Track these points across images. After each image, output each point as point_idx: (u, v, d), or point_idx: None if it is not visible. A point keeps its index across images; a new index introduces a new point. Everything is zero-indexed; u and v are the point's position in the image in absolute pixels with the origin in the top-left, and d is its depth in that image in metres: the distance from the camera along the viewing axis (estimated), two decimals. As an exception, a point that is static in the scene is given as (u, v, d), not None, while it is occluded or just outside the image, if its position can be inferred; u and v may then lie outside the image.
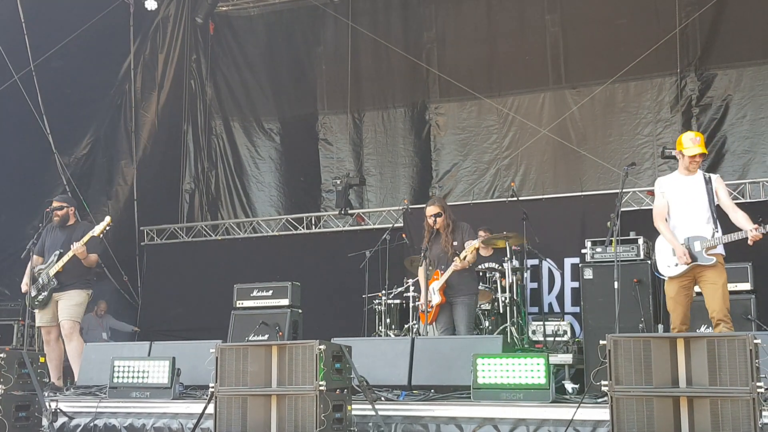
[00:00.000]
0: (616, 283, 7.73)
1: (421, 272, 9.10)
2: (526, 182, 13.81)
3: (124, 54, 15.16)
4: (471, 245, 8.81)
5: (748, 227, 6.98)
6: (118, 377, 8.03)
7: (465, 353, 7.37)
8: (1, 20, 12.50)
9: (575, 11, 13.91)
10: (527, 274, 11.48)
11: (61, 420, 7.61)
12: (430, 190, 14.52)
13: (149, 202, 15.59)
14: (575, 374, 9.43)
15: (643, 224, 8.62)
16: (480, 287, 10.01)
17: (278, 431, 6.27)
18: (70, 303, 9.12)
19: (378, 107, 15.16)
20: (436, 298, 8.85)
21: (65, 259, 9.03)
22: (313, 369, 6.19)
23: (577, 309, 11.37)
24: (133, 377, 7.99)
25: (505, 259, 10.50)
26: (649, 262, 8.56)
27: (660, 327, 8.66)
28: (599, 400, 6.60)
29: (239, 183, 15.97)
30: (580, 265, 9.60)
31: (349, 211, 14.31)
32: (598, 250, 9.32)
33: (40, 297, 9.14)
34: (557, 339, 10.23)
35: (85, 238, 9.03)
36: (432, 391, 7.44)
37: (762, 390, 5.38)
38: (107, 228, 9.14)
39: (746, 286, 8.99)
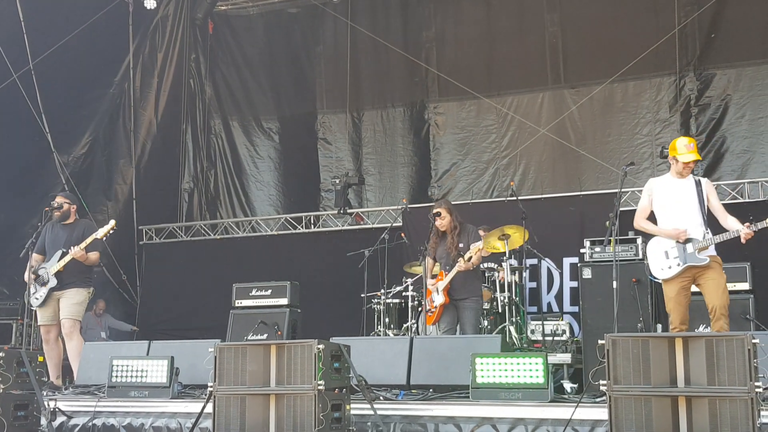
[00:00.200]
0: (614, 283, 7.74)
1: (426, 272, 9.14)
2: (525, 182, 13.81)
3: (123, 53, 15.15)
4: (475, 246, 8.83)
5: (739, 227, 7.08)
6: (116, 376, 8.04)
7: (464, 353, 7.37)
8: (1, 19, 12.49)
9: (574, 11, 13.91)
10: (526, 274, 11.47)
11: (60, 419, 7.61)
12: (429, 190, 14.52)
13: (148, 202, 15.59)
14: (574, 374, 9.43)
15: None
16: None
17: (277, 430, 6.27)
18: (71, 302, 9.13)
19: (377, 106, 15.15)
20: (439, 299, 8.87)
21: (67, 259, 9.04)
22: (312, 368, 6.19)
23: (575, 308, 11.35)
24: (131, 376, 8.00)
25: (504, 258, 10.50)
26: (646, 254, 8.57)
27: (659, 327, 8.66)
28: (598, 399, 6.62)
29: (238, 182, 15.96)
30: (578, 265, 9.59)
31: (348, 211, 14.32)
32: (597, 249, 9.31)
33: (38, 294, 9.14)
34: (556, 338, 10.23)
35: (88, 241, 9.04)
36: (431, 390, 7.45)
37: (760, 390, 5.39)
38: (111, 231, 9.16)
39: (745, 285, 9.00)
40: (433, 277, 9.21)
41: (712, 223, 7.38)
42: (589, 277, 9.17)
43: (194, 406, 7.18)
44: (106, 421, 7.63)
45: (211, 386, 6.50)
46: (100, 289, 12.88)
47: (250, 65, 16.07)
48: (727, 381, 5.41)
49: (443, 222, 8.99)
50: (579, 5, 13.88)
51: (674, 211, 7.39)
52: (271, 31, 15.91)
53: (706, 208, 7.31)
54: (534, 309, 11.85)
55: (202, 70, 16.40)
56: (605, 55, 13.54)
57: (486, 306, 10.21)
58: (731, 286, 8.67)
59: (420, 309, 10.46)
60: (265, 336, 10.09)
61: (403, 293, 11.03)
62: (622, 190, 8.49)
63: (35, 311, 9.39)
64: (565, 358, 9.46)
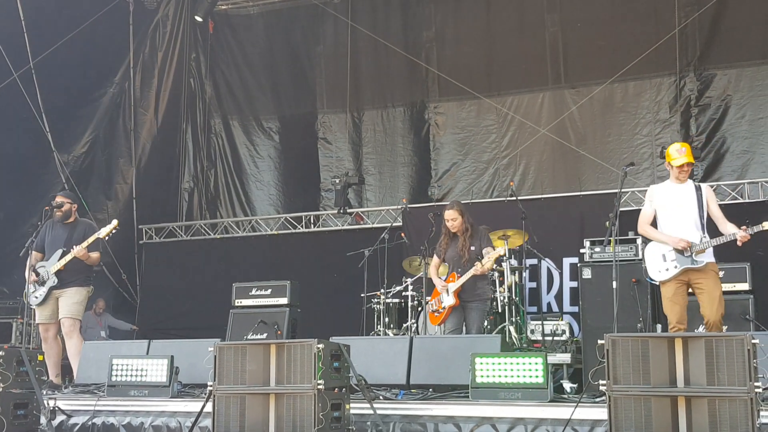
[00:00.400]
0: (614, 283, 7.75)
1: (432, 271, 9.15)
2: (525, 182, 13.81)
3: (123, 52, 15.14)
4: (494, 253, 8.96)
5: (736, 230, 7.22)
6: (116, 375, 8.05)
7: (463, 352, 7.39)
8: (1, 18, 12.49)
9: (575, 11, 13.90)
10: (526, 274, 11.47)
11: (60, 418, 7.62)
12: (429, 190, 14.52)
13: (148, 201, 15.59)
14: (573, 374, 9.43)
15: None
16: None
17: (276, 430, 6.28)
18: (71, 301, 9.14)
19: (377, 106, 15.15)
20: (449, 300, 8.89)
21: (68, 258, 9.05)
22: (312, 368, 6.20)
23: (575, 308, 11.35)
24: (131, 375, 8.01)
25: (504, 258, 10.50)
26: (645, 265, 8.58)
27: (658, 327, 8.66)
28: (597, 399, 6.63)
29: (238, 182, 15.96)
30: (578, 265, 9.59)
31: (348, 210, 14.32)
32: (597, 249, 9.32)
33: (38, 293, 9.14)
34: (556, 338, 10.23)
35: (90, 240, 9.05)
36: (430, 390, 7.47)
37: (760, 390, 5.40)
38: (113, 231, 9.17)
39: (744, 286, 9.01)
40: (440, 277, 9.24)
41: (711, 229, 7.48)
42: (589, 277, 9.18)
43: (194, 406, 7.19)
44: (105, 420, 7.64)
45: (210, 385, 6.50)
46: (100, 288, 12.86)
47: (251, 65, 16.07)
48: (727, 381, 5.42)
49: (455, 223, 9.02)
50: (579, 5, 13.88)
51: (673, 216, 7.51)
52: (272, 31, 15.90)
53: (705, 213, 7.42)
54: (534, 309, 11.85)
55: (202, 69, 16.40)
56: (605, 56, 13.54)
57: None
58: (731, 287, 8.76)
59: (420, 309, 10.47)
60: (265, 335, 10.09)
61: (403, 293, 11.04)
62: (622, 190, 8.50)
63: (34, 310, 9.38)
64: (564, 358, 9.46)
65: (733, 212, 11.48)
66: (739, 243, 7.23)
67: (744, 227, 7.19)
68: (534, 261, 11.57)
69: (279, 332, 10.22)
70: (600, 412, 6.14)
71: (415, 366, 7.84)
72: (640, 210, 9.27)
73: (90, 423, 7.63)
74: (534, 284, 12.08)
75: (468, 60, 14.58)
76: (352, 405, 6.78)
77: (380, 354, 8.03)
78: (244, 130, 16.03)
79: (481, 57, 14.52)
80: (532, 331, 10.51)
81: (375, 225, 13.86)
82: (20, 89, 12.67)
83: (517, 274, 10.75)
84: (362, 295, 11.31)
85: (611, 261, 8.18)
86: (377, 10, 15.28)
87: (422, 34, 14.95)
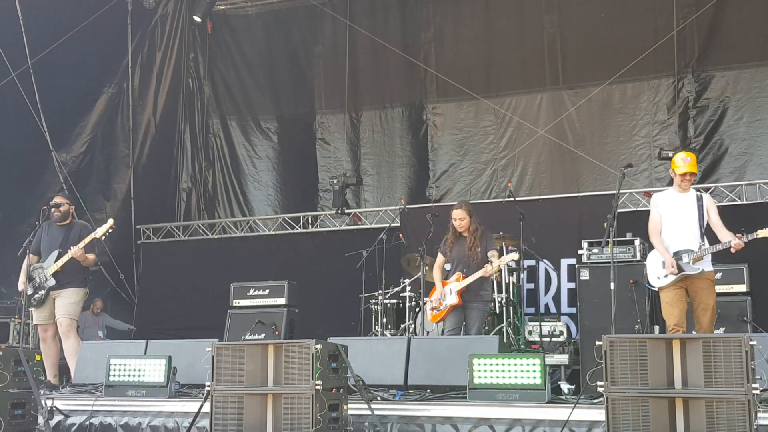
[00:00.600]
0: (612, 284, 7.78)
1: (437, 270, 9.16)
2: (523, 183, 13.81)
3: (122, 52, 15.13)
4: (509, 257, 9.10)
5: (731, 237, 7.38)
6: (114, 375, 8.04)
7: (461, 353, 7.39)
8: (-1, 18, 12.51)
9: (573, 12, 13.90)
10: (524, 275, 11.48)
11: (57, 418, 7.61)
12: (427, 190, 14.52)
13: (146, 201, 15.58)
14: (571, 375, 9.46)
15: (639, 226, 8.62)
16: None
17: (274, 430, 6.28)
18: (68, 301, 9.14)
19: (375, 107, 15.14)
20: (452, 299, 8.90)
21: (64, 259, 9.05)
22: (310, 368, 6.21)
23: (573, 310, 11.37)
24: (129, 376, 8.00)
25: (495, 259, 10.49)
26: (645, 263, 8.59)
27: (656, 328, 8.68)
28: (595, 400, 6.63)
29: (236, 182, 15.95)
30: (576, 266, 9.63)
31: (346, 211, 14.32)
32: (595, 251, 9.35)
33: (37, 295, 9.15)
34: (553, 340, 10.25)
35: (87, 240, 9.05)
36: (428, 391, 7.46)
37: (757, 391, 5.41)
38: (110, 231, 9.16)
39: (742, 287, 9.03)
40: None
41: (712, 238, 7.62)
42: (587, 278, 9.21)
43: (191, 406, 7.18)
44: (103, 420, 7.63)
45: (208, 386, 6.50)
46: (97, 288, 12.89)
47: (249, 65, 16.06)
48: (725, 383, 5.43)
49: (462, 223, 9.03)
50: (578, 6, 13.88)
51: (673, 223, 7.66)
52: (270, 31, 15.90)
53: (705, 221, 7.58)
54: (531, 310, 11.84)
55: (200, 69, 16.39)
56: (604, 57, 13.54)
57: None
58: (728, 288, 8.80)
59: (418, 310, 10.48)
60: (263, 336, 10.10)
61: (401, 294, 11.05)
62: (620, 191, 8.53)
63: (32, 310, 9.38)
64: (562, 359, 9.49)
65: (731, 214, 11.54)
66: (733, 250, 7.40)
67: (739, 235, 7.34)
68: (532, 262, 11.56)
69: (277, 332, 10.23)
70: (598, 414, 6.15)
71: (412, 367, 7.84)
72: (637, 211, 9.37)
73: (87, 423, 7.62)
74: (532, 285, 12.07)
75: (466, 61, 14.58)
76: (349, 405, 6.78)
77: (378, 355, 8.03)
78: (243, 130, 16.03)
79: (479, 58, 14.52)
80: (530, 332, 10.53)
81: (373, 225, 13.86)
82: (18, 89, 12.65)
83: (515, 275, 10.76)
84: (360, 295, 11.32)
85: (609, 262, 8.21)
86: (376, 10, 15.27)
87: (421, 34, 14.94)
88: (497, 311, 10.20)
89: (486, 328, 9.90)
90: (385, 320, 11.01)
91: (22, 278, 9.22)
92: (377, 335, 10.86)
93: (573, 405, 6.40)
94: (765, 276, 9.64)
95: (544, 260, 11.71)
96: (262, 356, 6.42)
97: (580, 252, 9.63)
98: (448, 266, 9.36)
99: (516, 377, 6.88)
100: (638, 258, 8.90)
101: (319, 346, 6.26)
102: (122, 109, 15.26)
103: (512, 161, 13.97)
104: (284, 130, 15.79)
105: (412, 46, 14.87)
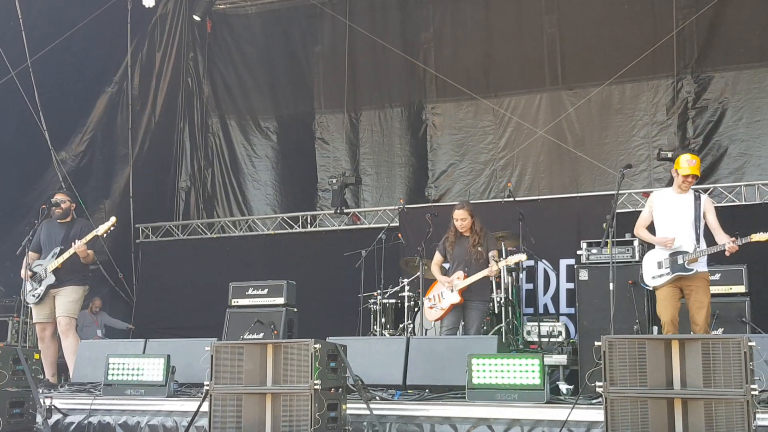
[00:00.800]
0: (611, 285, 7.78)
1: (435, 268, 9.16)
2: (522, 183, 13.81)
3: (121, 51, 15.12)
4: (516, 258, 9.14)
5: (726, 240, 7.46)
6: (112, 374, 8.04)
7: (460, 353, 7.40)
8: (-2, 17, 12.50)
9: (573, 12, 13.90)
10: (522, 275, 11.50)
11: (56, 417, 7.61)
12: (426, 190, 14.52)
13: (145, 200, 15.58)
14: (570, 375, 9.46)
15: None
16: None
17: (273, 430, 6.28)
18: (67, 299, 9.14)
19: (375, 107, 15.14)
20: (453, 298, 8.90)
21: (66, 255, 9.05)
22: (308, 368, 6.21)
23: (572, 310, 11.38)
24: (127, 375, 8.00)
25: (501, 259, 10.50)
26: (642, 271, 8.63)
27: (655, 329, 8.69)
28: (593, 401, 6.63)
29: (235, 181, 15.95)
30: (575, 267, 9.65)
31: (345, 211, 14.32)
32: (594, 251, 9.37)
33: (36, 293, 9.14)
34: (552, 340, 10.25)
35: (89, 237, 9.05)
36: (427, 390, 7.46)
37: (756, 392, 5.41)
38: (111, 228, 9.16)
39: (741, 288, 9.04)
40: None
41: (709, 239, 7.69)
42: (586, 278, 9.22)
43: (190, 405, 7.18)
44: (101, 419, 7.62)
45: (207, 385, 6.50)
46: (96, 287, 12.87)
47: (248, 64, 16.05)
48: (723, 383, 5.43)
49: (464, 223, 9.04)
50: (577, 7, 13.87)
51: (669, 223, 7.73)
52: (270, 31, 15.90)
53: (701, 222, 7.65)
54: (530, 310, 11.85)
55: (200, 69, 16.38)
56: (603, 57, 13.54)
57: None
58: (727, 289, 8.81)
59: (417, 309, 10.48)
60: (262, 335, 10.09)
61: (400, 293, 11.04)
62: (619, 192, 8.53)
63: (31, 309, 9.38)
64: (561, 359, 9.50)
65: (730, 215, 11.60)
66: (727, 253, 7.50)
67: (733, 239, 7.42)
68: (531, 262, 11.55)
69: (276, 332, 10.23)
70: (596, 414, 6.15)
71: (411, 366, 7.84)
72: (636, 212, 9.35)
73: (86, 422, 7.62)
74: (531, 286, 12.07)
75: (466, 61, 14.58)
76: (348, 405, 6.78)
77: (377, 354, 8.03)
78: (242, 129, 16.02)
79: (478, 58, 14.52)
80: (529, 333, 10.54)
81: (372, 225, 13.86)
82: (18, 88, 12.64)
83: (513, 276, 10.76)
84: (359, 295, 11.33)
85: (608, 263, 8.21)
86: (375, 10, 15.26)
87: (420, 34, 14.94)
88: (496, 311, 10.21)
89: (485, 328, 9.92)
90: (383, 320, 11.01)
91: (23, 272, 9.20)
92: (376, 335, 10.86)
93: (572, 405, 6.40)
94: (764, 277, 9.67)
95: (543, 260, 11.71)
96: (261, 356, 6.43)
97: (578, 252, 9.64)
98: (446, 266, 9.36)
99: (515, 377, 6.88)
100: (637, 258, 8.90)
101: (318, 346, 6.26)
102: (122, 109, 15.25)
103: (511, 161, 13.97)
104: (283, 129, 15.79)
105: (412, 46, 14.86)
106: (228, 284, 11.00)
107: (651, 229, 7.95)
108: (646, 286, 7.89)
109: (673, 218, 7.71)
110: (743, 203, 12.10)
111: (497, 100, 14.19)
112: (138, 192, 15.44)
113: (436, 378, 7.66)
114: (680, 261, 7.54)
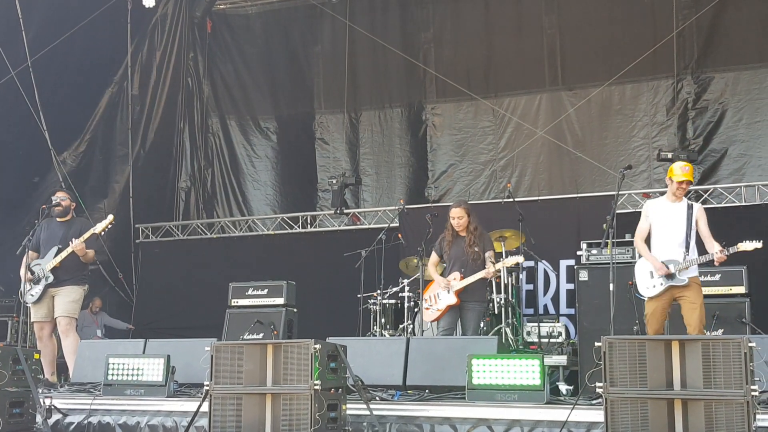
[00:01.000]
0: (611, 285, 7.79)
1: (431, 269, 9.14)
2: (522, 183, 13.81)
3: (122, 52, 15.11)
4: (513, 259, 9.08)
5: (714, 249, 7.58)
6: (112, 374, 8.04)
7: (460, 354, 7.40)
8: (-1, 16, 12.50)
9: (572, 13, 13.90)
10: (523, 276, 11.50)
11: (55, 417, 7.61)
12: (426, 191, 14.52)
13: (145, 200, 15.58)
14: (570, 376, 9.46)
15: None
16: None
17: (273, 430, 6.28)
18: (67, 299, 9.13)
19: (375, 107, 15.14)
20: (450, 299, 8.89)
21: (64, 254, 9.04)
22: (308, 368, 6.21)
23: (572, 311, 11.39)
24: (127, 375, 7.99)
25: (501, 260, 10.50)
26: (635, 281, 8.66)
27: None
28: (593, 401, 6.63)
29: (235, 181, 15.95)
30: (575, 267, 9.65)
31: (345, 211, 14.32)
32: (594, 252, 9.37)
33: (34, 290, 9.13)
34: (552, 340, 10.25)
35: (87, 235, 9.04)
36: (427, 391, 7.45)
37: (756, 393, 5.41)
38: (109, 226, 9.15)
39: (741, 289, 9.03)
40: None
41: (701, 246, 7.79)
42: (586, 279, 9.23)
43: (190, 405, 7.17)
44: (101, 419, 7.61)
45: (207, 385, 6.50)
46: (96, 287, 12.87)
47: (248, 64, 16.05)
48: (723, 384, 5.43)
49: (461, 222, 9.02)
50: (577, 7, 13.87)
51: (662, 233, 7.84)
52: (270, 31, 15.90)
53: (693, 231, 7.74)
54: (530, 311, 11.86)
55: (200, 68, 16.38)
56: (603, 58, 13.55)
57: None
58: (727, 290, 8.82)
59: (417, 310, 10.47)
60: (262, 335, 10.09)
61: (400, 294, 11.04)
62: (619, 192, 8.53)
63: (29, 308, 9.37)
64: (561, 360, 9.50)
65: (730, 215, 11.60)
66: (716, 262, 7.62)
67: (721, 249, 7.54)
68: (531, 263, 11.56)
69: (275, 332, 10.23)
70: (596, 415, 6.15)
71: (411, 367, 7.84)
72: (636, 213, 9.37)
73: (86, 422, 7.61)
74: (531, 286, 12.08)
75: (466, 61, 14.59)
76: (348, 406, 6.78)
77: (377, 355, 8.03)
78: (242, 129, 16.02)
79: (478, 58, 14.53)
80: (529, 333, 10.54)
81: (372, 226, 13.85)
82: (18, 87, 12.64)
83: (513, 276, 10.76)
84: (359, 295, 11.32)
85: (608, 263, 8.22)
86: (375, 10, 15.27)
87: (420, 35, 14.95)
88: (496, 312, 10.21)
89: (485, 329, 9.92)
90: (383, 320, 11.01)
91: (23, 272, 9.20)
92: (376, 335, 10.86)
93: (572, 406, 6.40)
94: (764, 278, 9.66)
95: (543, 261, 11.71)
96: (261, 356, 6.43)
97: (579, 253, 9.65)
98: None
99: (515, 378, 6.88)
100: (637, 259, 8.90)
101: (318, 346, 6.26)
102: (122, 109, 15.25)
103: (511, 162, 13.98)
104: (283, 129, 15.79)
105: (412, 46, 14.87)
106: (228, 284, 11.00)
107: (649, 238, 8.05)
108: (641, 296, 7.96)
109: (666, 227, 7.81)
110: (743, 204, 12.09)
111: (497, 100, 14.20)
112: (138, 192, 15.43)
113: (436, 378, 7.66)
114: (672, 270, 7.63)
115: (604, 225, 8.29)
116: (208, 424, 6.45)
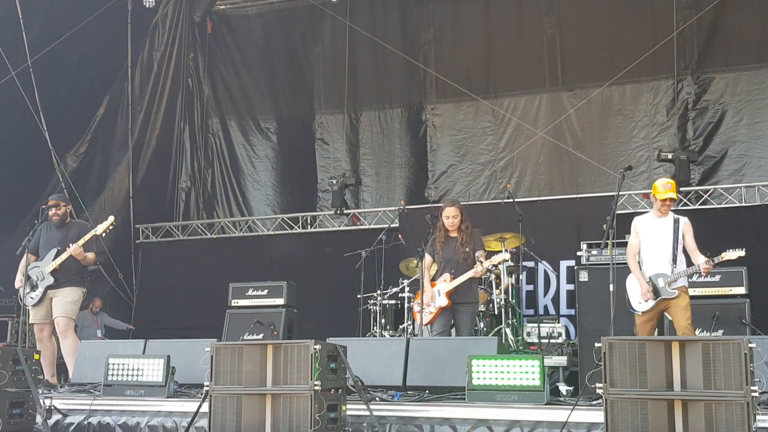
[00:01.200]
0: (611, 286, 7.79)
1: (424, 271, 9.10)
2: (521, 184, 13.81)
3: (122, 52, 15.12)
4: (499, 257, 9.02)
5: (700, 261, 7.76)
6: (112, 375, 8.03)
7: (460, 354, 7.39)
8: (-1, 16, 12.50)
9: (573, 13, 13.90)
10: (523, 276, 11.50)
11: (55, 417, 7.61)
12: (426, 191, 14.52)
13: (145, 200, 15.58)
14: (569, 376, 9.45)
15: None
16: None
17: (273, 431, 6.28)
18: (65, 300, 9.14)
19: (375, 107, 15.14)
20: (442, 301, 8.84)
21: (63, 257, 9.05)
22: (308, 369, 6.21)
23: (572, 311, 11.39)
24: (127, 375, 7.99)
25: (507, 264, 10.48)
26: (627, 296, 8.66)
27: (654, 331, 8.68)
28: (594, 402, 6.63)
29: (235, 182, 15.95)
30: (575, 268, 9.65)
31: (345, 211, 14.32)
32: (594, 252, 9.37)
33: (34, 293, 9.14)
34: (552, 341, 10.24)
35: (87, 237, 9.05)
36: (427, 391, 7.45)
37: (756, 394, 5.41)
38: (110, 228, 9.15)
39: (741, 290, 9.02)
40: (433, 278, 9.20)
41: (688, 257, 7.99)
42: (586, 280, 9.22)
43: (190, 406, 7.17)
44: (101, 420, 7.62)
45: (207, 385, 6.50)
46: (96, 288, 12.89)
47: (249, 65, 16.05)
48: (724, 385, 5.44)
49: (454, 221, 8.95)
50: (577, 8, 13.88)
51: (650, 248, 8.01)
52: (270, 31, 15.90)
53: (680, 245, 7.92)
54: (530, 311, 11.85)
55: (200, 69, 16.38)
56: (603, 58, 13.55)
57: (482, 308, 10.21)
58: (727, 291, 8.83)
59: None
60: (262, 336, 10.09)
61: (400, 294, 11.04)
62: (619, 193, 8.53)
63: (28, 309, 9.37)
64: (561, 360, 9.49)
65: (730, 216, 11.60)
66: (703, 272, 7.84)
67: (706, 260, 7.69)
68: (531, 263, 11.56)
69: (275, 333, 10.23)
70: (596, 415, 6.15)
71: (411, 367, 7.84)
72: (636, 213, 9.38)
73: (86, 422, 7.61)
74: (531, 287, 12.08)
75: (466, 62, 14.59)
76: (348, 406, 6.78)
77: (377, 355, 8.03)
78: (242, 130, 16.02)
79: (478, 59, 14.53)
80: (529, 334, 10.54)
81: (372, 226, 13.84)
82: (18, 88, 12.64)
83: (513, 277, 10.75)
84: (359, 296, 11.31)
85: (608, 264, 8.20)
86: (375, 11, 15.27)
87: (420, 35, 14.95)
88: (496, 312, 10.20)
89: (485, 329, 9.92)
90: (383, 321, 11.01)
91: (19, 276, 9.22)
92: (376, 336, 10.86)
93: (572, 407, 6.40)
94: (764, 278, 9.65)
95: (543, 262, 11.70)
96: (261, 356, 6.43)
97: (579, 253, 9.65)
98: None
99: (515, 378, 6.88)
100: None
101: (317, 347, 6.26)
102: (122, 109, 15.26)
103: (511, 162, 13.97)
104: (283, 130, 15.79)
105: (412, 46, 14.87)
106: (228, 285, 10.99)
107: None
108: (635, 311, 8.03)
109: (654, 242, 7.97)
110: (743, 205, 12.08)
111: (497, 100, 14.20)
112: (138, 192, 15.44)
113: (436, 379, 7.66)
114: (662, 284, 7.79)
115: (605, 226, 8.28)
116: (208, 425, 6.45)
